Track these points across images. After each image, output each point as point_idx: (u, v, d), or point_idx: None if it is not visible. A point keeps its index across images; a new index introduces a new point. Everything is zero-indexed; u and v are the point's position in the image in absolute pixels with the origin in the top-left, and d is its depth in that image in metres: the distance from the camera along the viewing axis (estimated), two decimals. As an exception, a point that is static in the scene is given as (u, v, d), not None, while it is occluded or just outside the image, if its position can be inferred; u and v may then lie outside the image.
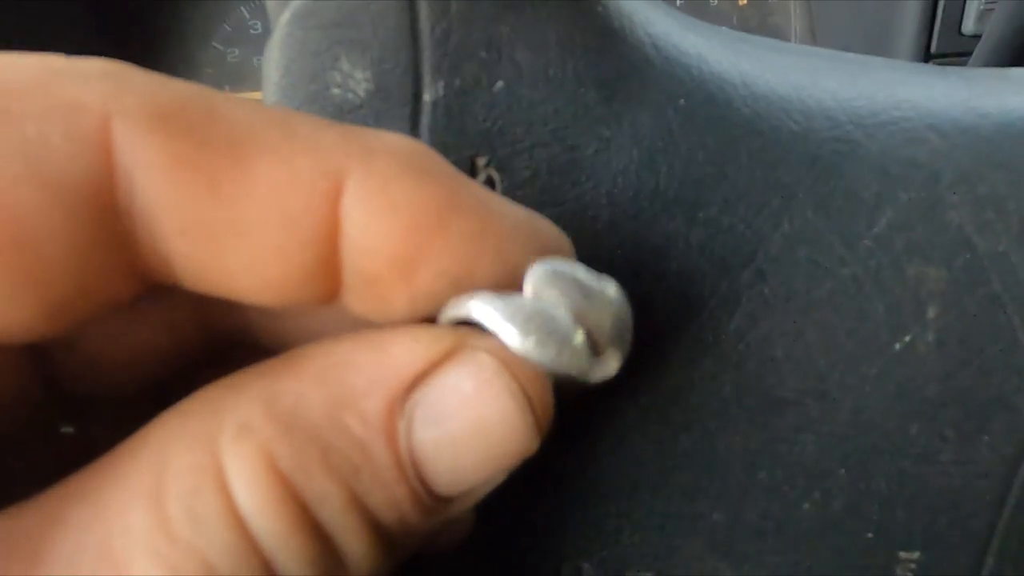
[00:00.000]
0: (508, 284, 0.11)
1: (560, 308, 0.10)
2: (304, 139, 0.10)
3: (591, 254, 0.13)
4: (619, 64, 0.13)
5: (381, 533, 0.10)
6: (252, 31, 0.53)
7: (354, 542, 0.10)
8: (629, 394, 0.14)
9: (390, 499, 0.10)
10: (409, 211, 0.10)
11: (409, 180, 0.10)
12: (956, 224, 0.13)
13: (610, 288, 0.11)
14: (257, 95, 0.52)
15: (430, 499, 0.10)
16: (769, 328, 0.14)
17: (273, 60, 0.13)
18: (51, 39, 0.50)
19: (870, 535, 0.14)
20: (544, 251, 0.11)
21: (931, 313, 0.13)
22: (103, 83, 0.09)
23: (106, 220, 0.09)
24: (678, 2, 0.52)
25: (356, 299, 0.10)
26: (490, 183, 0.13)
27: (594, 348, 0.11)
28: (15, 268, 0.09)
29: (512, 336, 0.10)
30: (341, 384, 0.10)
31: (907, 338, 0.14)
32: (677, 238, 0.13)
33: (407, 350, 0.10)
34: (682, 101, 0.13)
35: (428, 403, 0.10)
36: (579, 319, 0.10)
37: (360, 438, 0.10)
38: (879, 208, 0.13)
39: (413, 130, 0.13)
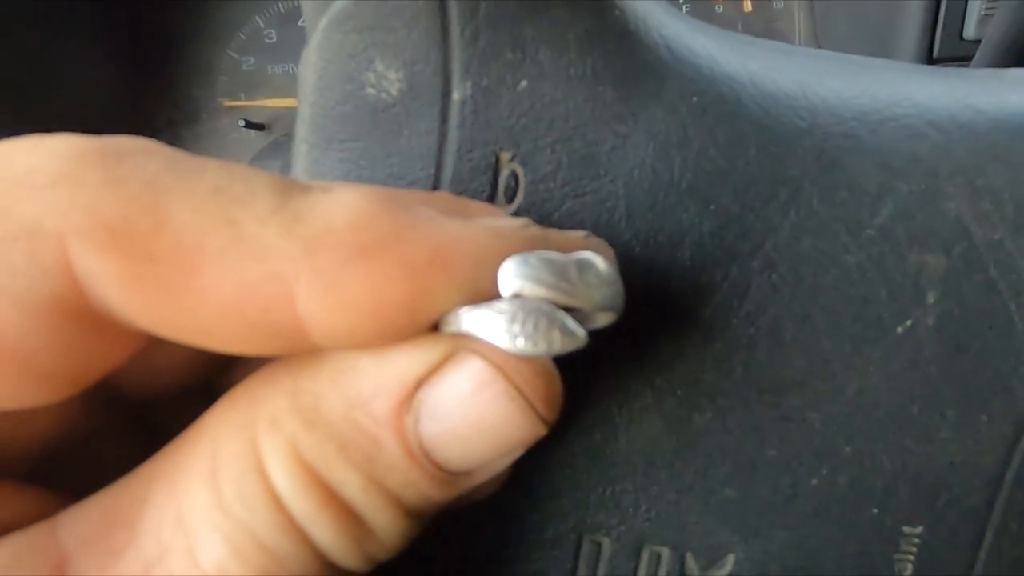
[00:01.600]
0: (492, 294, 0.11)
1: (538, 299, 0.11)
2: (249, 241, 0.10)
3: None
4: (635, 64, 0.14)
5: (404, 506, 0.11)
6: (267, 40, 0.54)
7: (378, 516, 0.11)
8: (645, 376, 0.15)
9: (407, 481, 0.11)
10: (362, 303, 0.10)
11: (354, 271, 0.10)
12: (954, 214, 0.14)
13: (586, 257, 0.11)
14: (272, 102, 0.53)
15: (448, 476, 0.11)
16: (777, 312, 0.14)
17: (310, 62, 0.14)
18: (69, 50, 0.51)
19: (875, 510, 0.15)
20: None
21: (931, 298, 0.14)
22: (54, 196, 0.09)
23: (83, 318, 0.10)
24: (684, 8, 0.53)
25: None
26: (514, 177, 0.14)
27: (586, 315, 0.11)
28: (19, 372, 0.10)
29: (503, 341, 0.11)
30: (353, 387, 0.11)
31: (908, 322, 0.14)
32: (690, 227, 0.14)
33: (408, 357, 0.11)
34: (694, 99, 0.14)
35: (431, 402, 0.11)
36: (561, 300, 0.11)
37: (373, 434, 0.11)
38: (881, 199, 0.14)
39: (442, 126, 0.14)
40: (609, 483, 0.15)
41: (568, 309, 0.11)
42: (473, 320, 0.11)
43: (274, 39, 0.54)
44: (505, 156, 0.14)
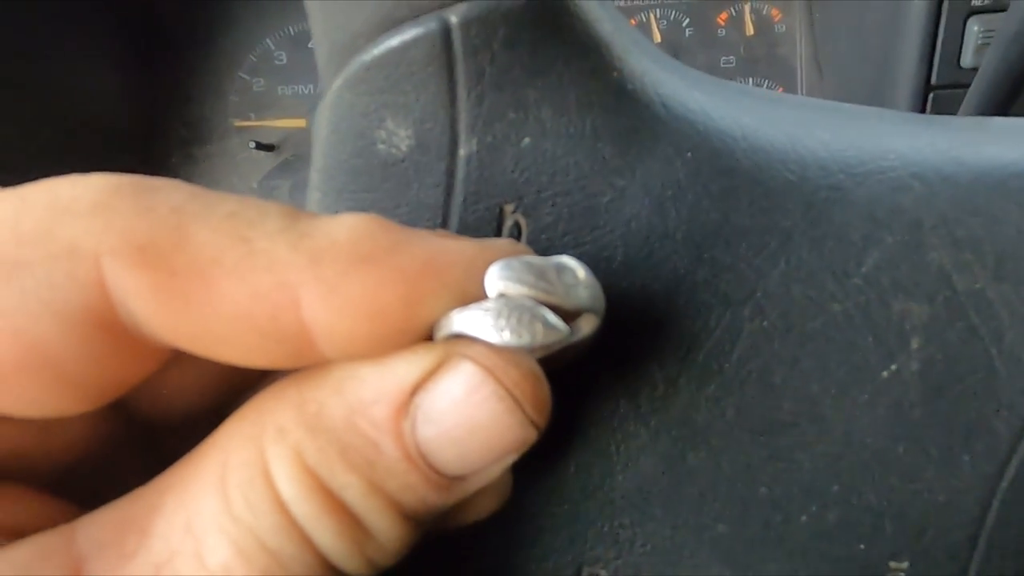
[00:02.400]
0: (480, 297, 0.12)
1: (521, 297, 0.12)
2: (259, 256, 0.11)
3: (607, 289, 0.15)
4: (632, 121, 0.15)
5: (403, 510, 0.12)
6: (277, 62, 0.55)
7: (378, 519, 0.12)
8: (641, 416, 0.15)
9: (405, 485, 0.12)
10: (360, 305, 0.11)
11: (354, 277, 0.11)
12: (937, 264, 0.15)
13: (564, 261, 0.12)
14: (282, 123, 0.54)
15: (445, 481, 0.12)
16: (768, 357, 0.15)
17: (324, 118, 0.15)
18: (83, 72, 0.52)
19: (862, 546, 0.15)
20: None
21: (915, 344, 0.15)
22: (92, 221, 0.11)
23: (113, 331, 0.11)
24: (687, 33, 0.53)
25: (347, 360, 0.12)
26: (517, 228, 0.15)
27: (569, 315, 0.12)
28: (53, 380, 0.11)
29: (490, 335, 0.12)
30: (354, 394, 0.12)
31: (893, 367, 0.15)
32: (685, 276, 0.15)
33: (406, 364, 0.12)
34: (689, 154, 0.15)
35: (426, 406, 0.12)
36: (542, 298, 0.12)
37: (372, 438, 0.11)
38: (867, 249, 0.15)
39: (449, 180, 0.15)
40: (607, 518, 0.16)
41: (552, 309, 0.12)
42: (463, 320, 0.12)
43: (284, 61, 0.55)
44: (509, 208, 0.15)
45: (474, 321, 0.12)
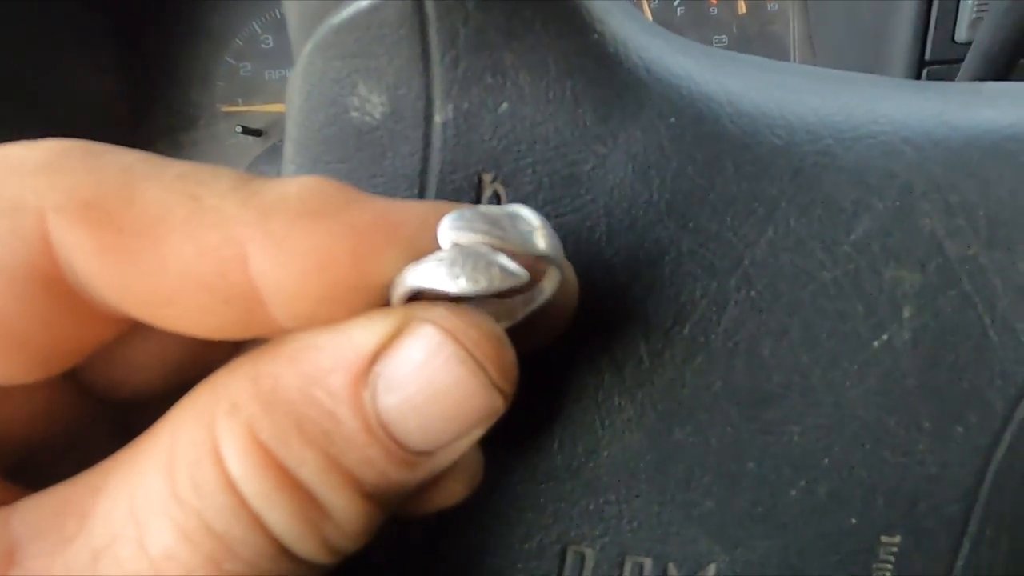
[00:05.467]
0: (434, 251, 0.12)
1: (476, 245, 0.11)
2: (208, 212, 0.11)
3: (590, 260, 0.14)
4: (614, 86, 0.14)
5: (362, 487, 0.11)
6: (263, 45, 0.54)
7: (336, 497, 0.11)
8: (627, 391, 0.15)
9: (364, 458, 0.11)
10: (308, 258, 0.11)
11: (301, 230, 0.11)
12: (929, 230, 0.14)
13: (517, 209, 0.12)
14: (269, 108, 0.53)
15: (408, 455, 0.11)
16: (756, 328, 0.15)
17: (297, 86, 0.15)
18: (69, 57, 0.51)
19: (853, 520, 0.15)
20: None
21: (907, 313, 0.14)
22: (38, 179, 0.10)
23: (60, 292, 0.11)
24: (679, 11, 0.53)
25: (300, 327, 0.12)
26: (496, 197, 0.14)
27: (527, 266, 0.12)
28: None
29: (446, 284, 0.11)
30: (310, 364, 0.11)
31: (885, 336, 0.15)
32: (669, 245, 0.15)
33: (364, 330, 0.11)
34: (673, 119, 0.14)
35: (387, 373, 0.11)
36: (497, 244, 0.11)
37: (329, 409, 0.11)
38: (857, 216, 0.14)
39: (425, 149, 0.14)
40: (592, 495, 0.15)
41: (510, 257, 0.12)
42: (417, 273, 0.11)
43: (271, 44, 0.54)
44: (487, 177, 0.14)
45: (428, 273, 0.11)
